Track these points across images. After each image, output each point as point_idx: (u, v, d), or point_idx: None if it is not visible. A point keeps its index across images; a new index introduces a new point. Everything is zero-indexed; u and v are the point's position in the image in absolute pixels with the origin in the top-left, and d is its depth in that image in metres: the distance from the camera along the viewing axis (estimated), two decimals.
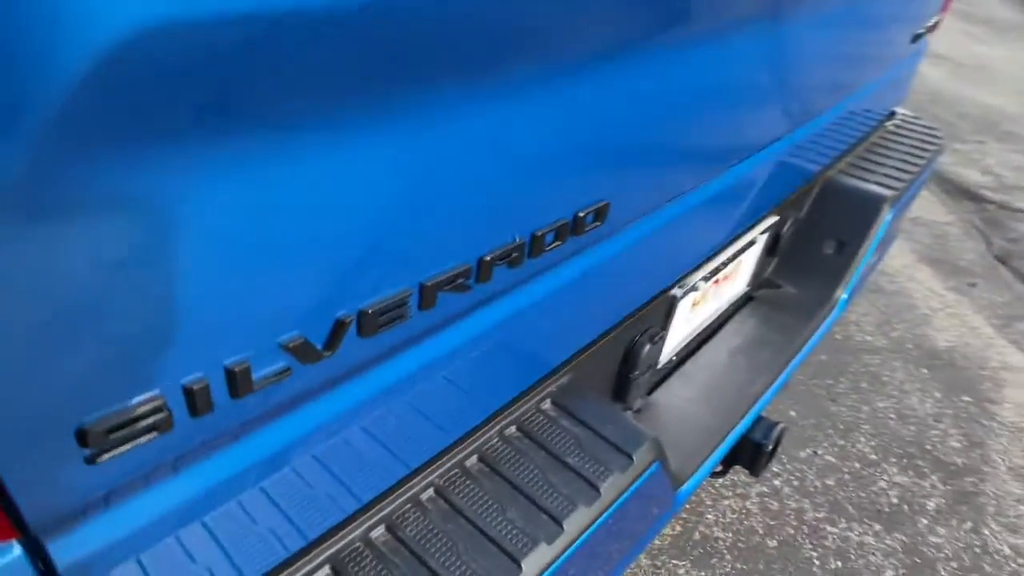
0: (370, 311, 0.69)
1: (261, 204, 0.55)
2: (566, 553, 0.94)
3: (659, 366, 1.49)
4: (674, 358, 1.59)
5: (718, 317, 1.73)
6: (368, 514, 0.91)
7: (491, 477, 1.01)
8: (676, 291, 1.38)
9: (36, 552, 0.56)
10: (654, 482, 1.12)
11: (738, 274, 1.70)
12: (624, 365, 1.35)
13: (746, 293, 1.85)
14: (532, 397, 1.13)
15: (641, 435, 1.10)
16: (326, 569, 0.86)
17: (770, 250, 1.81)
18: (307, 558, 0.85)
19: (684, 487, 1.33)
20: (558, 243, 0.88)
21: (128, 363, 0.53)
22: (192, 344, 0.56)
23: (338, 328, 0.67)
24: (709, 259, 1.47)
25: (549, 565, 0.92)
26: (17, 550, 0.55)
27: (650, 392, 1.53)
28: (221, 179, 0.51)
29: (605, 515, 0.99)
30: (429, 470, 0.99)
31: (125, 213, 0.47)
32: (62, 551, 0.57)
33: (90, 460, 0.54)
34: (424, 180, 0.68)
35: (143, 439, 0.56)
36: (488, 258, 0.79)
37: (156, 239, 0.50)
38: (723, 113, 1.16)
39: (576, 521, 0.97)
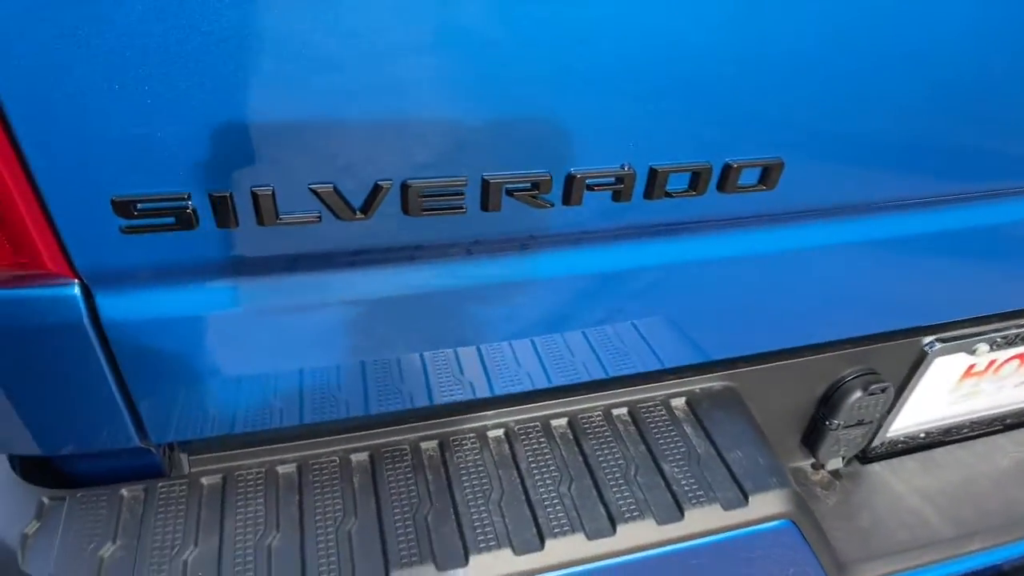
0: (414, 184, 0.64)
1: None
2: (604, 563, 0.79)
3: (887, 431, 1.14)
4: (922, 435, 1.20)
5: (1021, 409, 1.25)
6: (425, 423, 0.89)
7: (569, 446, 0.89)
8: (929, 342, 1.03)
9: (88, 297, 0.66)
10: (779, 544, 0.87)
11: None
12: (821, 407, 1.06)
13: None
14: (663, 388, 0.96)
15: (774, 476, 0.86)
16: (365, 454, 0.86)
17: None
18: (352, 435, 0.87)
19: None
20: (691, 193, 0.71)
21: (162, 156, 0.59)
22: (222, 159, 0.59)
23: (375, 192, 0.64)
24: (1009, 316, 1.05)
25: (576, 564, 0.78)
26: (76, 289, 0.66)
27: (867, 459, 1.18)
28: None
29: (675, 546, 0.80)
30: (508, 409, 0.91)
31: None
32: (107, 304, 0.67)
33: (125, 231, 0.62)
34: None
35: (168, 227, 0.62)
36: (577, 175, 0.67)
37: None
38: None
39: (634, 533, 0.80)
